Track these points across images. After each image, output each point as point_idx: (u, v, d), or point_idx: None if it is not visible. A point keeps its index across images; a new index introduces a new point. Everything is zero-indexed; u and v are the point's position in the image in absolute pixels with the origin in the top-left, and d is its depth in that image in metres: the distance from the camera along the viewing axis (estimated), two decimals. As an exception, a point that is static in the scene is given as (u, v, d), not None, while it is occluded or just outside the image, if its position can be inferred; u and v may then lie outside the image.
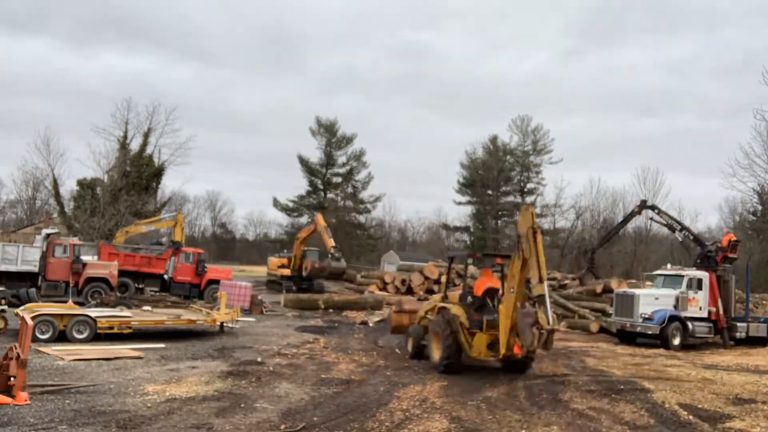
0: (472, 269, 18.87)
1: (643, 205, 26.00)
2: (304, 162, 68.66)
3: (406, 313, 16.92)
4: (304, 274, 33.97)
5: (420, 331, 15.19)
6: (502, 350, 12.50)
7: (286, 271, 35.07)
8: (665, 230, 26.05)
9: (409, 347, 15.28)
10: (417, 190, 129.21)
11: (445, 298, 14.68)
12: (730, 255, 21.78)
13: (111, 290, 24.97)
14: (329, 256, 32.69)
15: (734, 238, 22.68)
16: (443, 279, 33.24)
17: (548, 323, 11.33)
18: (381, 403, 10.23)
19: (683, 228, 24.49)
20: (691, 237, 24.00)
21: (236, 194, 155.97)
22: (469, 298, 13.85)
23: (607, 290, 26.05)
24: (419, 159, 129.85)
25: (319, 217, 34.09)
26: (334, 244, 32.61)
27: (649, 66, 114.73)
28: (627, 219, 27.96)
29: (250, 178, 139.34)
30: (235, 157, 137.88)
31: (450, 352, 12.99)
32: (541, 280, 11.57)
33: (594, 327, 23.85)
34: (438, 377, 12.70)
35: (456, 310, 13.53)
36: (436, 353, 13.57)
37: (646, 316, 20.08)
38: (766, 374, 14.48)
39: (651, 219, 27.29)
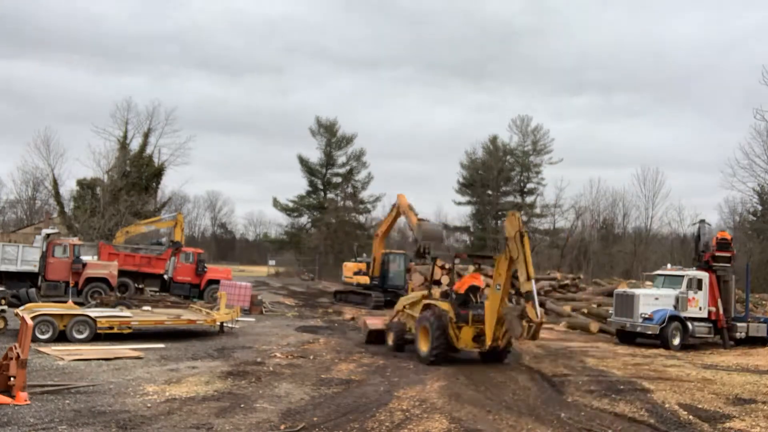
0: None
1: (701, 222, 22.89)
2: (304, 162, 68.63)
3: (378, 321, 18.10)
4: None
5: (400, 326, 16.43)
6: (488, 342, 13.86)
7: (364, 279, 30.64)
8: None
9: (390, 341, 16.43)
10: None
11: (429, 295, 16.00)
12: (719, 254, 21.44)
13: (111, 290, 25.02)
14: (417, 226, 26.43)
15: (721, 236, 21.96)
16: (446, 278, 33.43)
17: (537, 316, 12.54)
18: (381, 403, 10.22)
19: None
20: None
21: (236, 194, 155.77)
22: (453, 295, 15.07)
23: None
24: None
25: (402, 198, 28.51)
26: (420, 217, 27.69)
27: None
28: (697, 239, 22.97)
29: (250, 177, 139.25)
30: (235, 156, 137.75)
31: (438, 344, 14.06)
32: (528, 278, 12.69)
33: (594, 327, 23.85)
34: (438, 377, 12.69)
35: (444, 305, 14.64)
36: (424, 346, 14.53)
37: (646, 316, 20.07)
38: (766, 374, 14.48)
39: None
